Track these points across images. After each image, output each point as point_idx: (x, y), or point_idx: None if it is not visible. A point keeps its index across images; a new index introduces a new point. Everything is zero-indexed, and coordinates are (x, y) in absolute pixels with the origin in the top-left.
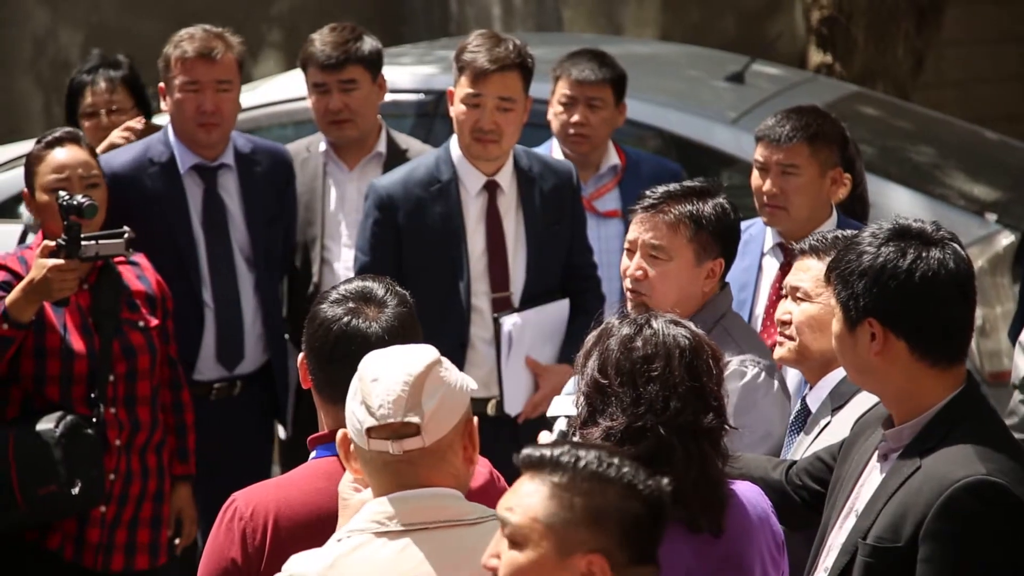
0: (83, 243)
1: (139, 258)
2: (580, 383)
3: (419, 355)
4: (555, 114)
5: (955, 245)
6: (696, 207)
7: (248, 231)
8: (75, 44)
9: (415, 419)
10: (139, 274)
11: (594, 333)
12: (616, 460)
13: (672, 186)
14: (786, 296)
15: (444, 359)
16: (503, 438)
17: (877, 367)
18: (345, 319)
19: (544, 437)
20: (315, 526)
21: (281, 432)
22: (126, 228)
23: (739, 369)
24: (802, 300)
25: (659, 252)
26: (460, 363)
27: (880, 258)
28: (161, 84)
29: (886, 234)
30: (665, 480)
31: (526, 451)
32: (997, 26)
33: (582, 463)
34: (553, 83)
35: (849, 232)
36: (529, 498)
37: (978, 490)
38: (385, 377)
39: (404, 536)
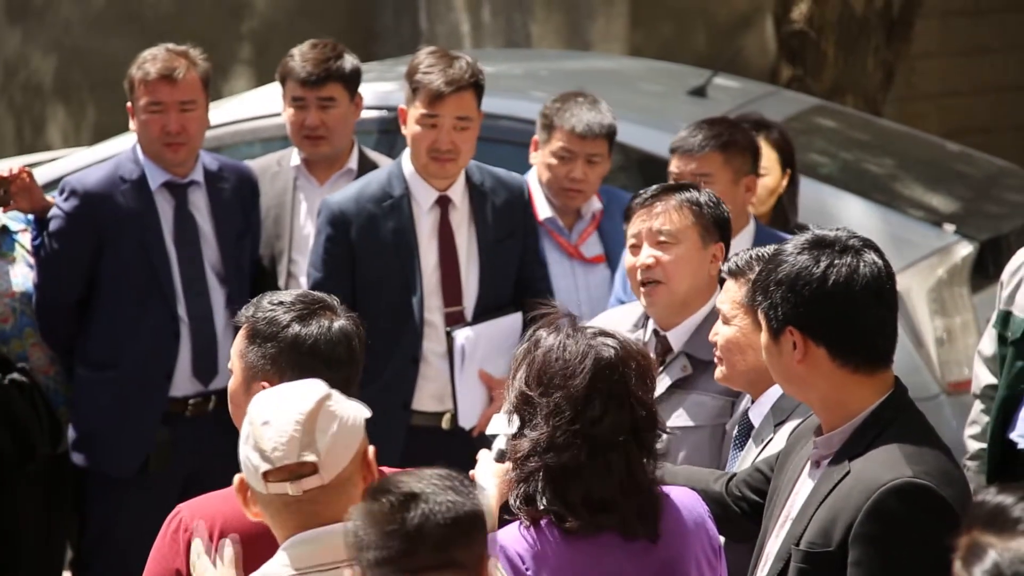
0: None
1: None
2: (510, 396)
3: (308, 392)
4: (547, 165)
5: (871, 253)
6: (691, 194)
7: (219, 247)
8: (47, 68)
9: (311, 458)
10: None
11: (523, 346)
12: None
13: (661, 185)
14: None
15: (334, 392)
16: (457, 451)
17: (802, 375)
18: (306, 326)
19: (483, 456)
20: (259, 539)
21: None
22: None
23: None
24: (724, 323)
25: (668, 236)
26: (414, 378)
27: (796, 266)
28: (129, 104)
29: (804, 243)
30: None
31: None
32: (970, 39)
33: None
34: (544, 130)
35: (768, 249)
36: None
37: (904, 492)
38: (275, 419)
39: None
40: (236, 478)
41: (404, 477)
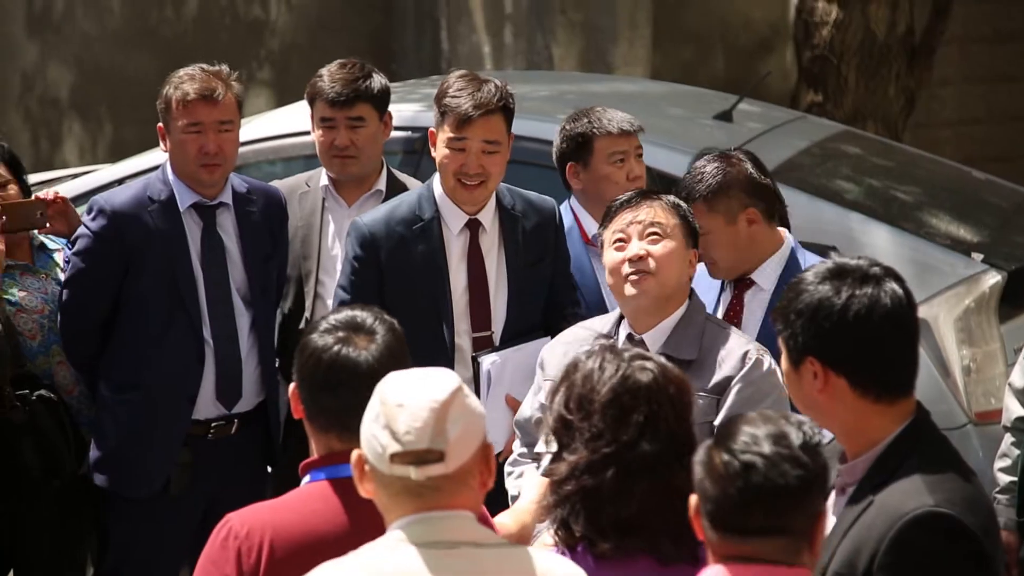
0: None
1: None
2: (548, 419)
3: (443, 381)
4: (605, 177)
5: (892, 281)
6: (672, 199)
7: (245, 269)
8: (64, 80)
9: (440, 446)
10: None
11: (563, 370)
12: None
13: (639, 189)
14: None
15: (464, 385)
16: None
17: (823, 404)
18: (335, 348)
19: (529, 471)
20: (310, 549)
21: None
22: None
23: (759, 358)
24: None
25: (658, 228)
26: None
27: (816, 296)
28: (160, 125)
29: (824, 273)
30: None
31: None
32: (990, 67)
33: None
34: (579, 149)
35: None
36: None
37: (927, 522)
38: (411, 403)
39: (423, 550)
40: (354, 453)
41: (748, 431)
